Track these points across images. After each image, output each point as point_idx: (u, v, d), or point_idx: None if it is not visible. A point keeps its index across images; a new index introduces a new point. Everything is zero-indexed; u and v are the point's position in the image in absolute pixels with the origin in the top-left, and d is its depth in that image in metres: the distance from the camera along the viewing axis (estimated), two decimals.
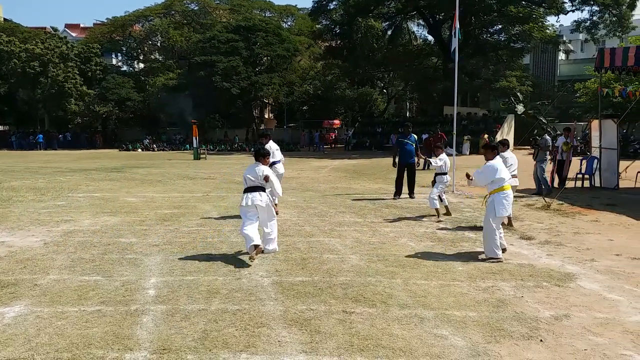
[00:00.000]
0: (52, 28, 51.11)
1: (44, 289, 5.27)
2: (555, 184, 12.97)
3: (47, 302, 4.89)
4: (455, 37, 13.10)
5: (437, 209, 9.19)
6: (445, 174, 9.55)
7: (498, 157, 6.81)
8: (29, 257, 6.56)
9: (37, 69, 42.10)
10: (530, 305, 4.79)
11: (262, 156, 6.65)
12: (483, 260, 6.36)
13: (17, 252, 6.84)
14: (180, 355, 3.78)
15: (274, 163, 9.65)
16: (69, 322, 4.40)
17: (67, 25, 68.63)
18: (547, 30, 35.91)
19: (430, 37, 44.31)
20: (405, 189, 11.89)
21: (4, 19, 56.92)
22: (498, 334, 4.13)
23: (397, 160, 11.91)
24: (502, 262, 6.23)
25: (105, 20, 53.69)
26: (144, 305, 4.79)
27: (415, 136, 12.09)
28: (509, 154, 8.71)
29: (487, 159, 6.73)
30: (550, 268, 6.00)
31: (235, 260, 6.38)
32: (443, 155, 9.51)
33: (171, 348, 3.89)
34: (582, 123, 31.79)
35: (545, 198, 10.91)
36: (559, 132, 33.05)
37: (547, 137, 12.78)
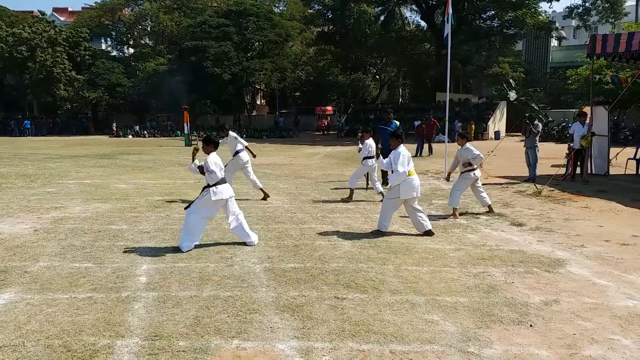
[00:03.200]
0: (40, 12, 50.07)
1: (34, 276, 5.23)
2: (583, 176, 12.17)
3: (38, 289, 4.86)
4: (448, 22, 13.03)
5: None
6: (371, 157, 9.86)
7: (402, 145, 6.99)
8: (19, 244, 6.50)
9: (25, 54, 41.39)
10: (520, 290, 4.83)
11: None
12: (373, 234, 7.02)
13: (7, 239, 6.78)
14: (172, 341, 3.78)
15: (237, 152, 9.83)
16: (60, 309, 4.38)
17: (55, 9, 67.42)
18: (540, 17, 35.88)
19: (423, 23, 44.20)
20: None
21: None
22: (488, 319, 4.17)
23: (379, 148, 11.70)
24: (383, 234, 6.92)
25: (94, 4, 52.73)
26: (135, 292, 4.77)
27: (397, 123, 11.58)
28: (470, 145, 8.53)
29: (394, 147, 7.03)
30: (540, 254, 6.05)
31: (227, 247, 6.36)
32: (369, 141, 10.00)
33: (163, 335, 3.88)
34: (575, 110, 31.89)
35: (536, 184, 10.97)
36: (550, 119, 33.25)
37: (538, 122, 12.78)
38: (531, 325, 4.05)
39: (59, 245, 6.44)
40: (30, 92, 44.63)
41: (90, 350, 3.66)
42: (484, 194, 8.54)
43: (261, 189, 9.94)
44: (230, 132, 9.97)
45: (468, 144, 8.45)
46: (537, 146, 12.25)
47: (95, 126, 45.27)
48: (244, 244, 6.42)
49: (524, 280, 5.11)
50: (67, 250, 6.24)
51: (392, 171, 6.87)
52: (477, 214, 8.50)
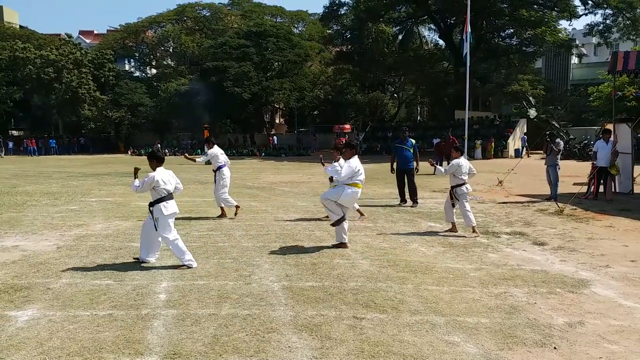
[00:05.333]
0: (67, 35, 51.81)
1: (57, 293, 5.31)
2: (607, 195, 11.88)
3: (60, 306, 4.92)
4: (466, 41, 13.09)
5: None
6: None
7: (356, 157, 7.26)
8: (42, 261, 6.61)
9: (52, 75, 42.70)
10: (543, 311, 4.72)
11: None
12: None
13: (31, 256, 6.90)
14: None
15: (220, 167, 9.96)
16: (81, 326, 4.43)
17: (81, 32, 69.63)
18: (560, 34, 35.70)
19: (441, 42, 44.30)
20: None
21: (20, 26, 57.86)
22: (511, 340, 4.08)
23: (394, 166, 11.72)
24: (343, 220, 7.12)
25: (119, 27, 54.44)
26: (155, 310, 4.80)
27: (413, 141, 11.65)
28: (463, 160, 8.33)
29: (346, 159, 7.30)
30: (563, 274, 5.92)
31: (245, 264, 6.38)
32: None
33: (181, 353, 3.89)
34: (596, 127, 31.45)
35: (558, 203, 10.78)
36: (572, 137, 32.79)
37: (559, 140, 12.61)
38: (555, 348, 3.94)
39: (81, 262, 6.53)
40: (56, 111, 45.88)
41: None
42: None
43: (222, 207, 9.98)
44: (216, 147, 10.18)
45: (462, 159, 8.36)
46: (558, 164, 12.07)
47: (124, 145, 46.08)
48: (260, 262, 6.43)
49: (547, 301, 5.00)
50: (89, 267, 6.33)
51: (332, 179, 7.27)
52: (497, 233, 8.38)
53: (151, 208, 6.24)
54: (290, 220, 9.67)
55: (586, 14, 35.64)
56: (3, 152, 39.76)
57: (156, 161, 6.32)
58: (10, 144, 42.85)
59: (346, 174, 7.04)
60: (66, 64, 43.39)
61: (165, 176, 6.30)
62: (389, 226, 8.98)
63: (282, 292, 5.29)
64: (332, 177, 7.95)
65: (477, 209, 10.88)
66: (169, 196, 6.26)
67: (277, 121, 58.78)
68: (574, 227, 8.75)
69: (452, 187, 8.28)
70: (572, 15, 34.78)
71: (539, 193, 12.77)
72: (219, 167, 9.99)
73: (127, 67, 56.70)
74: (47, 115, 46.81)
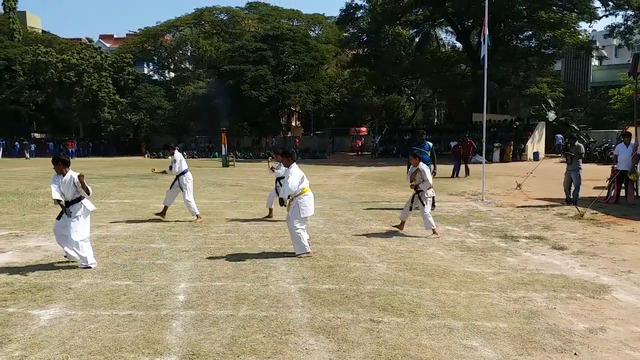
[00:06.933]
0: (87, 39, 52.85)
1: (78, 293, 5.41)
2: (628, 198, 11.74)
3: (81, 306, 5.01)
4: (484, 43, 12.95)
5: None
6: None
7: (294, 164, 7.09)
8: (64, 261, 6.73)
9: (73, 79, 43.46)
10: (563, 317, 4.66)
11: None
12: (294, 255, 6.85)
13: (53, 256, 7.04)
14: None
15: (183, 172, 10.00)
16: (102, 325, 4.50)
17: (102, 36, 70.77)
18: (580, 36, 35.17)
19: (458, 44, 44.01)
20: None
21: (42, 30, 59.10)
22: (530, 346, 4.04)
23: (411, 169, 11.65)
24: (310, 255, 6.84)
25: (138, 31, 55.20)
26: (174, 310, 4.86)
27: (430, 144, 11.57)
28: (423, 166, 8.50)
29: (286, 165, 7.14)
30: (584, 279, 5.83)
31: (262, 266, 6.42)
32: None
33: (200, 353, 3.93)
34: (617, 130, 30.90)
35: (578, 207, 10.62)
36: (592, 140, 32.28)
37: (579, 143, 12.42)
38: (575, 354, 3.89)
39: (101, 263, 6.64)
40: (76, 115, 46.67)
41: None
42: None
43: (165, 206, 10.11)
44: (176, 152, 10.16)
45: (422, 165, 8.50)
46: (580, 167, 11.91)
47: (146, 147, 46.56)
48: (277, 264, 6.46)
49: (567, 306, 4.93)
50: (109, 267, 6.43)
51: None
52: (516, 237, 8.29)
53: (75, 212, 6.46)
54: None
55: (607, 16, 35.06)
56: (28, 154, 40.57)
57: (62, 164, 6.49)
58: (33, 147, 43.66)
59: (296, 183, 6.89)
60: (87, 67, 44.14)
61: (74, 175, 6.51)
62: (406, 229, 8.94)
63: (298, 294, 5.30)
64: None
65: (495, 213, 10.79)
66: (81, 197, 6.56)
67: (293, 124, 58.95)
68: (594, 232, 8.61)
69: (418, 192, 8.45)
70: (593, 16, 34.20)
71: (558, 197, 12.59)
72: (184, 172, 10.04)
73: (146, 71, 57.45)
74: (68, 118, 47.67)
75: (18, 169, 26.31)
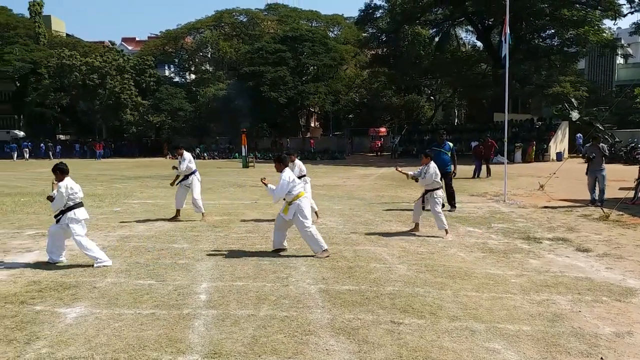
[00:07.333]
0: (110, 42, 53.87)
1: (102, 292, 5.51)
2: None
3: (105, 304, 5.11)
4: (505, 42, 12.77)
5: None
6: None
7: (287, 169, 7.11)
8: (88, 260, 6.85)
9: (96, 81, 44.34)
10: (588, 320, 4.58)
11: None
12: (314, 256, 6.83)
13: (78, 255, 7.17)
14: (231, 359, 3.85)
15: (192, 173, 10.13)
16: (125, 324, 4.58)
17: (124, 39, 72.04)
18: (604, 34, 34.39)
19: (479, 43, 43.59)
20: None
21: (67, 34, 60.37)
22: (554, 349, 3.97)
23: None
24: (329, 255, 6.85)
25: (159, 34, 56.00)
26: (196, 310, 4.91)
27: (451, 144, 11.44)
28: (431, 164, 8.61)
29: (278, 171, 7.09)
30: (609, 282, 5.71)
31: (283, 266, 6.44)
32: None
33: (222, 352, 3.97)
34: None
35: (604, 208, 10.41)
36: (617, 140, 31.59)
37: (603, 144, 12.16)
38: (602, 358, 3.82)
39: (125, 263, 6.75)
40: (100, 116, 47.55)
41: None
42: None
43: (178, 210, 10.26)
44: (185, 152, 10.22)
45: (433, 163, 8.59)
46: (604, 168, 11.68)
47: (168, 148, 47.18)
48: (297, 264, 6.48)
49: (593, 310, 4.84)
50: (132, 267, 6.53)
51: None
52: (539, 238, 8.16)
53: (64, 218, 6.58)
54: (325, 224, 9.70)
55: (632, 13, 34.20)
56: (52, 155, 41.50)
57: (60, 172, 6.61)
58: (58, 148, 44.64)
59: (283, 190, 6.89)
60: (109, 70, 44.96)
61: (77, 185, 6.69)
62: (426, 230, 8.88)
63: (319, 295, 5.31)
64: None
65: (517, 214, 10.64)
66: (78, 205, 6.66)
67: (312, 125, 59.06)
68: (620, 234, 8.43)
69: (427, 191, 8.56)
70: (617, 14, 33.43)
71: (582, 198, 12.36)
72: (194, 172, 10.17)
73: (167, 73, 58.22)
74: (92, 120, 48.58)
75: (44, 170, 26.91)
